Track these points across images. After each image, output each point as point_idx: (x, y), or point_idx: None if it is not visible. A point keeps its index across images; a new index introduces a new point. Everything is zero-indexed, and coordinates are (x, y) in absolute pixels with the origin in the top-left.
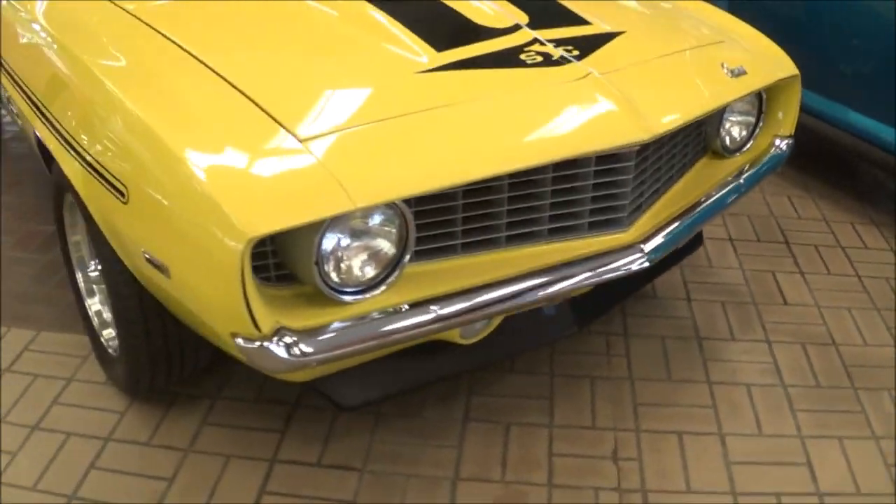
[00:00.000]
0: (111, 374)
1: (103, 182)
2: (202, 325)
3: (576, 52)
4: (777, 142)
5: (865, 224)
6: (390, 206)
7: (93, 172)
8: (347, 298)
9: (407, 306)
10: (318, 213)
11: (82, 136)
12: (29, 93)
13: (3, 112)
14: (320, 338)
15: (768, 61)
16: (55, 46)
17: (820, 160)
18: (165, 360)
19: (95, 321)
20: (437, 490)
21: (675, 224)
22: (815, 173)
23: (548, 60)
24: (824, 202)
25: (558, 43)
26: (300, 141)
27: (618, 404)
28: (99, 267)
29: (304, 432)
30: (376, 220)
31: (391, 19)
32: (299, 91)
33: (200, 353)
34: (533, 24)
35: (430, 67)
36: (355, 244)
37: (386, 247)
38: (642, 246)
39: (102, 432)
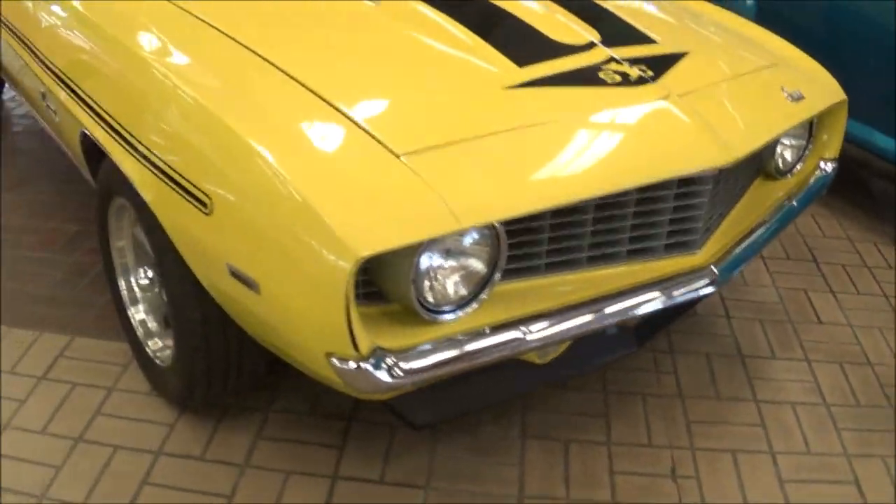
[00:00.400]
0: (158, 384)
1: (182, 192)
2: (289, 343)
3: (650, 73)
4: (822, 164)
5: (887, 244)
6: (487, 226)
7: (168, 182)
8: (443, 318)
9: (488, 329)
10: (426, 233)
11: (157, 145)
12: (82, 94)
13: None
14: (419, 359)
15: (819, 85)
16: (122, 48)
17: (838, 179)
18: (223, 372)
19: (140, 331)
20: None
21: (742, 246)
22: (834, 192)
23: (626, 80)
24: (847, 221)
25: (633, 62)
26: (397, 156)
27: (671, 422)
28: (150, 275)
29: (364, 448)
30: (472, 239)
31: (469, 32)
32: (390, 104)
33: (258, 366)
34: (605, 42)
35: (517, 83)
36: (450, 263)
37: (478, 266)
38: (713, 268)
39: (152, 446)
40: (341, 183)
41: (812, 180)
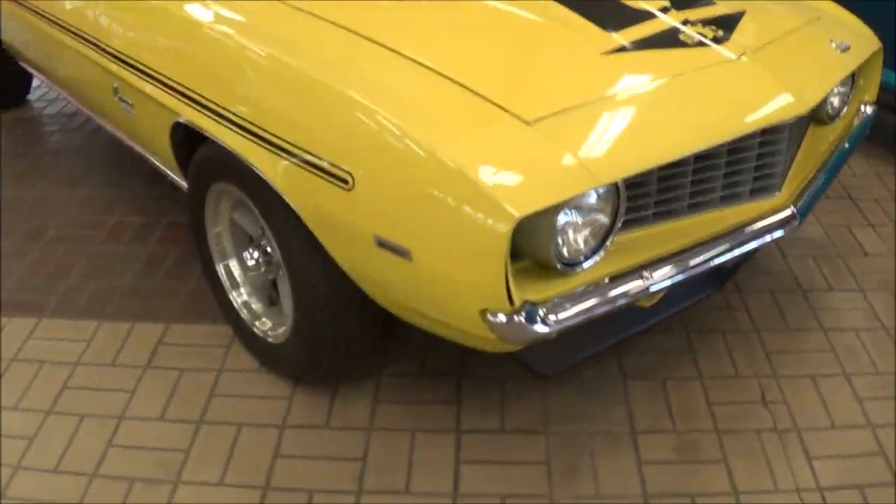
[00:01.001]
0: (269, 361)
1: (319, 173)
2: (440, 305)
3: (721, 32)
4: (863, 107)
5: None
6: (612, 182)
7: (303, 164)
8: (576, 269)
9: (608, 279)
10: (570, 192)
11: (288, 131)
12: (178, 85)
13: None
14: (565, 308)
15: (858, 35)
16: (235, 43)
17: None
18: (346, 343)
19: (244, 312)
20: (620, 445)
21: (812, 186)
22: None
23: (704, 41)
24: (873, 159)
25: (704, 23)
26: (528, 123)
27: (751, 354)
28: (255, 257)
29: (479, 401)
30: (598, 194)
31: (557, 4)
32: (504, 75)
33: (376, 334)
34: (676, 6)
35: (611, 49)
36: (581, 219)
37: (603, 219)
38: (792, 207)
39: (275, 420)
40: (485, 150)
41: (857, 122)
